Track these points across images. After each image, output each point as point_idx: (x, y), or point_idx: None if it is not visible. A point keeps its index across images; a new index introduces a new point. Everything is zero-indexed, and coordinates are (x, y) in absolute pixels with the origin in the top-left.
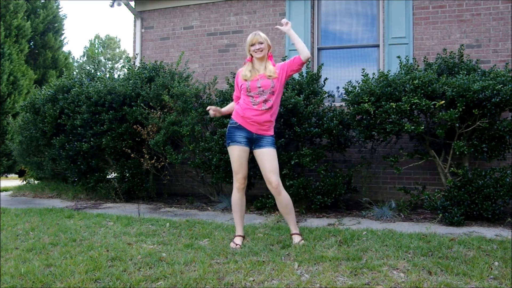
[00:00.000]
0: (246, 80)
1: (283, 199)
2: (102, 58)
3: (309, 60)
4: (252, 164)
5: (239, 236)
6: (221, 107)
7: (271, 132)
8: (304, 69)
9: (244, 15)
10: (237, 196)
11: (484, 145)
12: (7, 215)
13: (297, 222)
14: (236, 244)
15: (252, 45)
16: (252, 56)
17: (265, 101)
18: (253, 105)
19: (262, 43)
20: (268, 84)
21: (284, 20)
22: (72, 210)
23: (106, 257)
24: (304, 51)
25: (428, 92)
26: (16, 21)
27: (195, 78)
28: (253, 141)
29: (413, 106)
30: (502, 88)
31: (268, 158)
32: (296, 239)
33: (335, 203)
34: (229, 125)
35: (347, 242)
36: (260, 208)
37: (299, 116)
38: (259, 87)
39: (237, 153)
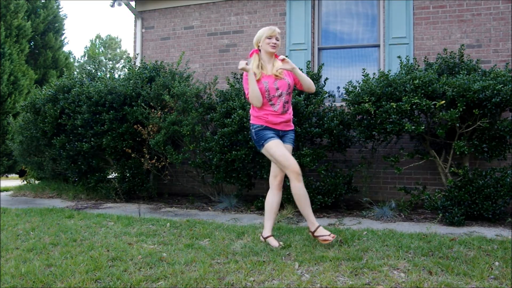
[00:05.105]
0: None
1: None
2: (103, 58)
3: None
4: (252, 165)
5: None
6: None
7: (293, 126)
8: (304, 70)
9: (244, 15)
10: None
11: (484, 145)
12: (7, 215)
13: (297, 222)
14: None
15: (270, 37)
16: (259, 50)
17: (284, 104)
18: (274, 111)
19: (278, 39)
20: (285, 85)
21: (281, 57)
22: (73, 210)
23: (107, 257)
24: (311, 89)
25: (429, 92)
26: (16, 21)
27: (195, 78)
28: (279, 138)
29: (414, 106)
30: (503, 88)
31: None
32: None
33: (336, 203)
34: (254, 130)
35: (347, 242)
36: (261, 208)
37: (300, 116)
38: (277, 89)
39: (279, 146)
